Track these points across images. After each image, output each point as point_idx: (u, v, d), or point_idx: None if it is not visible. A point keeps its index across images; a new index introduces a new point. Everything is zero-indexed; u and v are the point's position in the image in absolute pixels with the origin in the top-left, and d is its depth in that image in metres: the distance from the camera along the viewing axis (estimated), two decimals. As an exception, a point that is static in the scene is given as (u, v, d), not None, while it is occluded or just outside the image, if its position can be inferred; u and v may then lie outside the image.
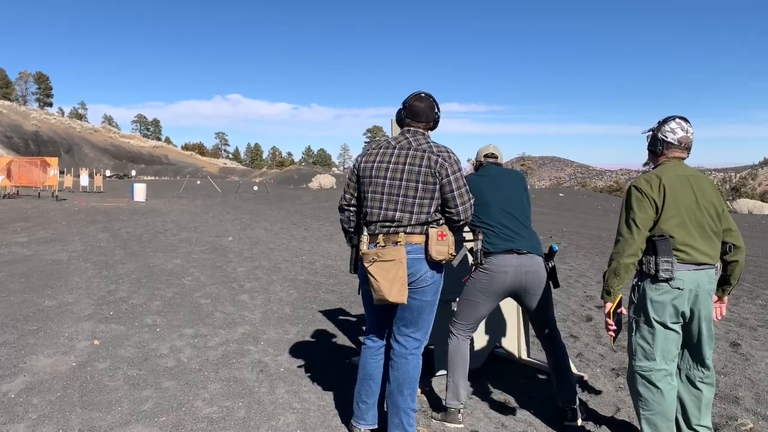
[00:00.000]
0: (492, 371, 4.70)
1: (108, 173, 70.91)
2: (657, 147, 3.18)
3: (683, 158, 3.17)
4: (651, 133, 3.23)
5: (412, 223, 3.18)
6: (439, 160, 3.20)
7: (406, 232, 3.18)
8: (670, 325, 3.03)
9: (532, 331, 4.95)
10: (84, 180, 36.08)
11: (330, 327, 6.01)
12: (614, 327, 3.13)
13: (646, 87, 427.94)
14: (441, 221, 3.27)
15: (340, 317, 6.40)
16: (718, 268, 3.14)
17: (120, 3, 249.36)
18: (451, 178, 3.19)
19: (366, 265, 3.18)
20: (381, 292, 3.12)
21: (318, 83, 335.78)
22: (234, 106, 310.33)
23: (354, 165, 3.47)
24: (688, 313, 3.04)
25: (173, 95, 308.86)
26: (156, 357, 4.93)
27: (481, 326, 4.71)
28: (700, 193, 3.06)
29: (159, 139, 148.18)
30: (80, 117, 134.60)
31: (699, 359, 3.18)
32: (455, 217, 3.24)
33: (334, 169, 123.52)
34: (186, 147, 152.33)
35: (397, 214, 3.19)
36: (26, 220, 16.59)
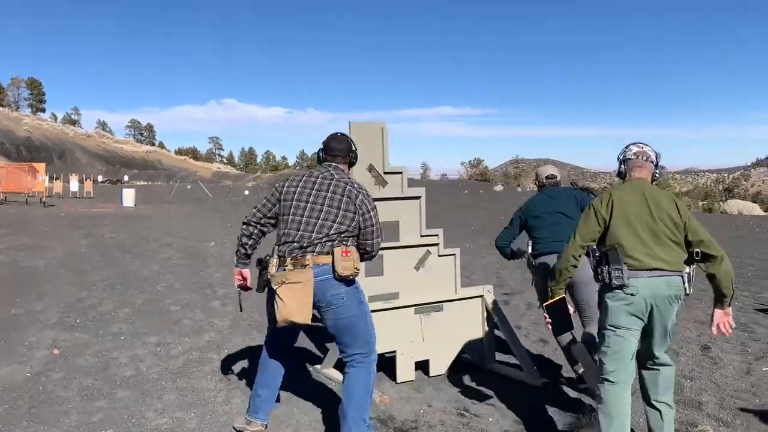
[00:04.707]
0: (456, 378, 4.61)
1: (100, 178, 70.61)
2: (621, 168, 3.43)
3: (646, 174, 3.35)
4: (618, 162, 3.47)
5: (323, 241, 3.28)
6: (360, 195, 3.38)
7: (314, 253, 3.26)
8: (625, 330, 3.15)
9: (496, 338, 4.87)
10: (74, 185, 35.84)
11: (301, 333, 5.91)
12: (549, 320, 3.42)
13: (639, 90, 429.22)
14: (346, 242, 3.34)
15: (315, 322, 6.29)
16: (687, 275, 3.20)
17: (115, 8, 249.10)
18: (372, 213, 3.39)
19: (274, 287, 3.22)
20: (286, 312, 3.18)
21: (314, 87, 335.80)
22: (229, 111, 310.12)
23: (276, 189, 3.53)
24: (645, 319, 3.16)
25: (168, 100, 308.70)
26: (115, 366, 4.84)
27: (446, 333, 4.62)
28: (654, 206, 3.20)
29: (153, 144, 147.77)
30: (74, 123, 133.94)
31: (650, 355, 3.32)
32: (368, 248, 3.42)
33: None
34: (179, 152, 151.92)
35: (313, 235, 3.28)
36: (10, 226, 16.43)
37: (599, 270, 3.22)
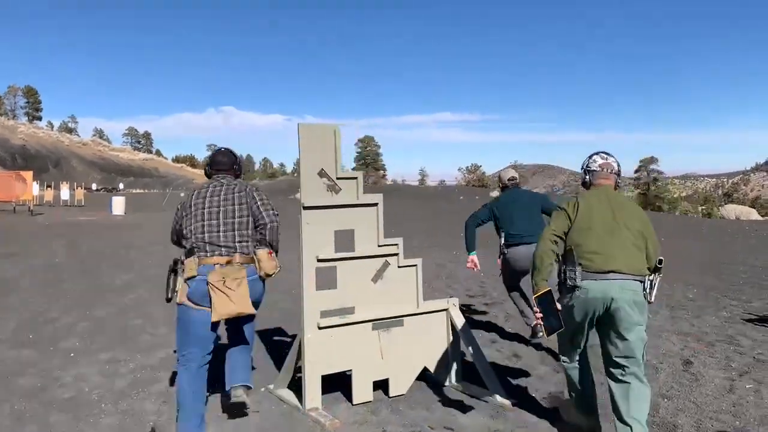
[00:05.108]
0: (418, 398, 4.31)
1: (94, 186, 70.24)
2: (585, 179, 3.65)
3: (610, 183, 3.56)
4: (582, 171, 3.69)
5: (247, 245, 3.69)
6: (250, 190, 3.85)
7: (239, 253, 3.65)
8: (579, 326, 3.35)
9: (461, 355, 4.57)
10: (64, 194, 35.52)
11: (259, 348, 5.61)
12: (540, 314, 3.32)
13: (638, 95, 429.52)
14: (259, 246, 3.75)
15: (275, 337, 6.00)
16: (650, 282, 3.26)
17: (113, 17, 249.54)
18: (256, 195, 3.83)
19: (214, 282, 3.47)
20: (232, 306, 3.48)
21: (312, 94, 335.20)
22: (227, 118, 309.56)
23: (181, 206, 3.87)
24: (597, 318, 3.29)
25: (166, 108, 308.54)
26: (56, 387, 4.53)
27: (407, 350, 4.32)
28: (618, 211, 3.37)
29: (150, 152, 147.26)
30: (70, 131, 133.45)
31: (615, 364, 3.32)
32: (265, 221, 3.74)
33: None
34: (177, 159, 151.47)
35: (240, 235, 3.69)
36: (-9, 235, 16.13)
37: (560, 270, 3.41)
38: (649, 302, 3.26)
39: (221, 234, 3.62)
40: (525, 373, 4.86)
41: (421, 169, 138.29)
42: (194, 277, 3.51)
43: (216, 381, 4.10)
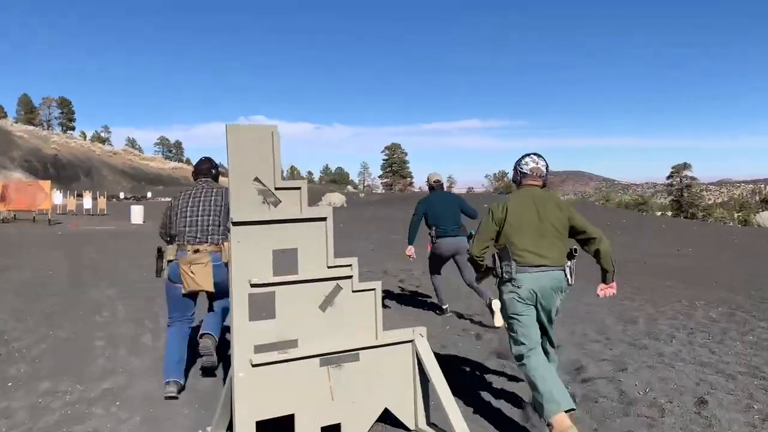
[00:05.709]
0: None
1: (122, 195, 71.02)
2: (516, 177, 4.02)
3: (538, 185, 3.94)
4: (514, 170, 4.06)
5: (213, 236, 4.65)
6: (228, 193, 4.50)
7: (209, 243, 4.63)
8: (523, 316, 3.74)
9: (429, 394, 3.92)
10: (87, 203, 35.71)
11: (212, 380, 5.04)
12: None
13: (671, 99, 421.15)
14: (228, 236, 4.46)
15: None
16: (569, 269, 3.81)
17: (146, 29, 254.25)
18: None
19: (184, 266, 4.55)
20: (197, 283, 4.56)
21: (340, 103, 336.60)
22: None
23: (170, 205, 4.89)
24: (535, 306, 3.75)
25: (198, 117, 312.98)
26: (-27, 425, 4.02)
27: (364, 389, 3.70)
28: (542, 210, 3.80)
29: (181, 161, 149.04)
30: (103, 141, 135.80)
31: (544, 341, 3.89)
32: None
33: (349, 187, 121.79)
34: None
35: (209, 228, 4.66)
36: (-2, 246, 15.94)
37: (495, 266, 3.83)
38: (569, 285, 3.82)
39: (197, 228, 4.61)
40: (509, 412, 4.19)
41: (449, 176, 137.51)
42: (172, 260, 4.62)
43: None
